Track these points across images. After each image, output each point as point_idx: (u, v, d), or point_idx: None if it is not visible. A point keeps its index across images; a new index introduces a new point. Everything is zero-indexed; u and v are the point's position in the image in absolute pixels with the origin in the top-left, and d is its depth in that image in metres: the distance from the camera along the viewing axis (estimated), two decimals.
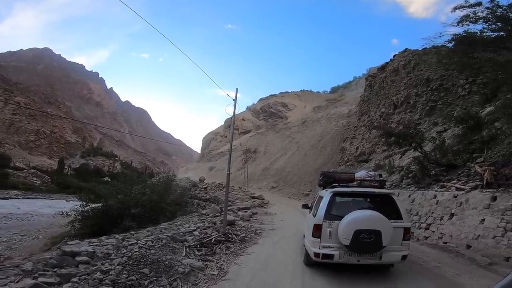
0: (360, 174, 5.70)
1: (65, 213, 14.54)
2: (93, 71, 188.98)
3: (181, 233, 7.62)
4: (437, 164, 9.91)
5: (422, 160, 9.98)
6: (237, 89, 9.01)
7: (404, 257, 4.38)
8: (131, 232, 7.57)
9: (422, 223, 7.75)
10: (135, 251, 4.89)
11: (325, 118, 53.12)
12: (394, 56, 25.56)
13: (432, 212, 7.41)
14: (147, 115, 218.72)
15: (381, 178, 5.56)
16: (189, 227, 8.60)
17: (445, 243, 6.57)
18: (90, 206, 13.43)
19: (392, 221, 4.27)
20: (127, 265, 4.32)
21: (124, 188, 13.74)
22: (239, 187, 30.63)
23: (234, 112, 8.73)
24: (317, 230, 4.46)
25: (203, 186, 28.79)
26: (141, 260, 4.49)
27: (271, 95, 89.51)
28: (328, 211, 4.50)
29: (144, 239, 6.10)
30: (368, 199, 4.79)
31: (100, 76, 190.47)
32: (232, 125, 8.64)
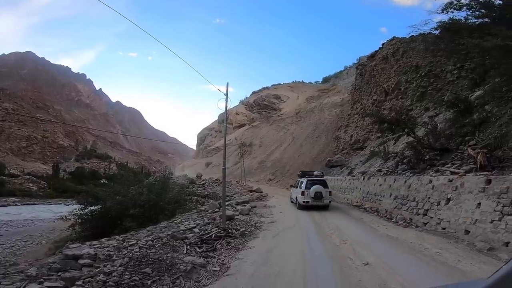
0: (316, 172, 14.75)
1: (64, 217, 14.47)
2: (80, 73, 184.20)
3: (181, 231, 7.63)
4: (431, 149, 10.01)
5: (416, 145, 10.08)
6: (228, 83, 8.94)
7: (330, 202, 12.22)
8: (131, 233, 7.55)
9: (419, 209, 7.72)
10: (136, 252, 4.87)
11: (318, 108, 53.14)
12: (383, 44, 25.94)
13: (429, 198, 7.38)
14: (139, 115, 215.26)
15: (322, 174, 14.72)
16: (188, 224, 8.60)
17: (444, 228, 6.56)
18: (89, 208, 13.39)
19: (325, 188, 11.88)
20: (129, 266, 4.31)
21: (121, 189, 13.66)
22: (236, 181, 30.69)
23: (226, 106, 8.65)
24: (302, 193, 11.86)
25: (201, 183, 28.82)
26: (143, 260, 4.48)
27: (264, 87, 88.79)
28: (306, 186, 11.93)
29: (145, 239, 6.10)
30: (317, 181, 12.23)
31: (87, 77, 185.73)
32: (225, 120, 8.58)
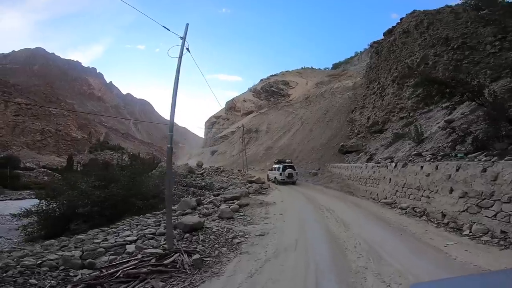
0: (287, 160, 22.44)
1: (18, 215, 12.19)
2: (90, 67, 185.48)
3: (98, 251, 4.55)
4: (508, 121, 6.39)
5: (495, 114, 6.28)
6: (187, 24, 5.99)
7: (296, 179, 19.56)
8: None
9: None
10: None
11: (329, 93, 48.78)
12: (401, 19, 23.77)
13: None
14: (150, 106, 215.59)
15: (291, 161, 22.51)
16: (128, 235, 5.52)
17: None
18: (49, 205, 11.09)
19: (294, 171, 19.53)
20: None
21: (77, 181, 11.10)
22: (238, 170, 27.66)
23: (182, 52, 5.41)
24: (280, 174, 19.14)
25: (200, 172, 26.00)
26: None
27: (272, 75, 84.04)
28: (282, 169, 19.24)
29: None
30: (289, 166, 19.77)
31: (98, 71, 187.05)
32: (178, 66, 5.30)
